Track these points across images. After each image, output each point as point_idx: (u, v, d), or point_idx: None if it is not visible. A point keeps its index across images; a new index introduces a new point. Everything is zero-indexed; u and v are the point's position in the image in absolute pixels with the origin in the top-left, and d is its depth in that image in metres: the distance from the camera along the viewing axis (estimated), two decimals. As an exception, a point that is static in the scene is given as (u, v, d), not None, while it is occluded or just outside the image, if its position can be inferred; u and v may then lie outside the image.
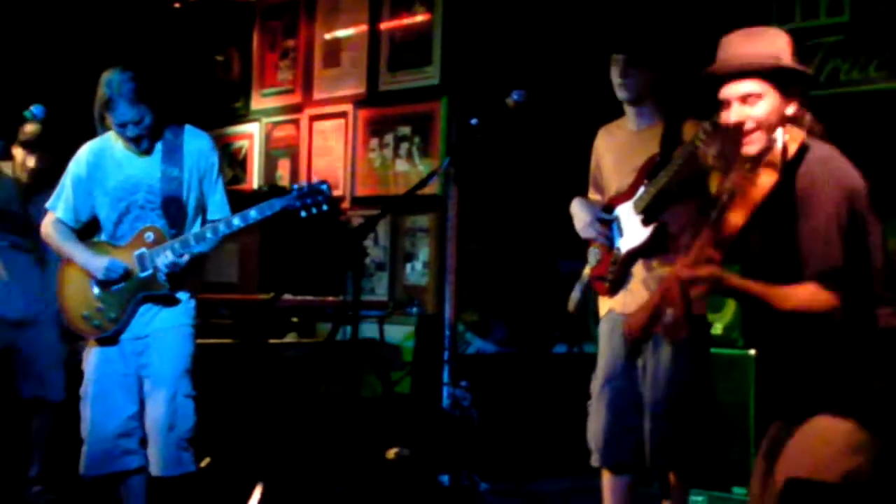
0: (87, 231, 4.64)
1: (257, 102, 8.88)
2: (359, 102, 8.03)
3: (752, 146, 3.05)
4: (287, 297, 5.99)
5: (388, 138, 7.79)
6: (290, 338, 6.27)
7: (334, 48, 8.26)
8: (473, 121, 4.25)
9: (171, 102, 4.62)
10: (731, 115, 3.07)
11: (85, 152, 4.61)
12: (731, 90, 3.07)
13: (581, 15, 6.72)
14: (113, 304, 4.48)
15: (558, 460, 6.35)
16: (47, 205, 4.65)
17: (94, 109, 4.45)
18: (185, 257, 4.41)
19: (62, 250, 4.60)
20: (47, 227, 4.64)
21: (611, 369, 4.53)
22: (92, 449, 4.48)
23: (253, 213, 4.41)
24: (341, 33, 8.21)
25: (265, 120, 8.78)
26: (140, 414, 4.49)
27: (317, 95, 8.38)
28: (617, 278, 4.52)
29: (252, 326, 6.01)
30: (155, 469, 4.44)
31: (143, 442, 4.48)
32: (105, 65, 4.48)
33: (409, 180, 7.50)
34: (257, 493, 5.24)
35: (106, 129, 4.51)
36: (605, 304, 4.63)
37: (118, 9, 8.22)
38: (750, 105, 3.04)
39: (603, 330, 4.62)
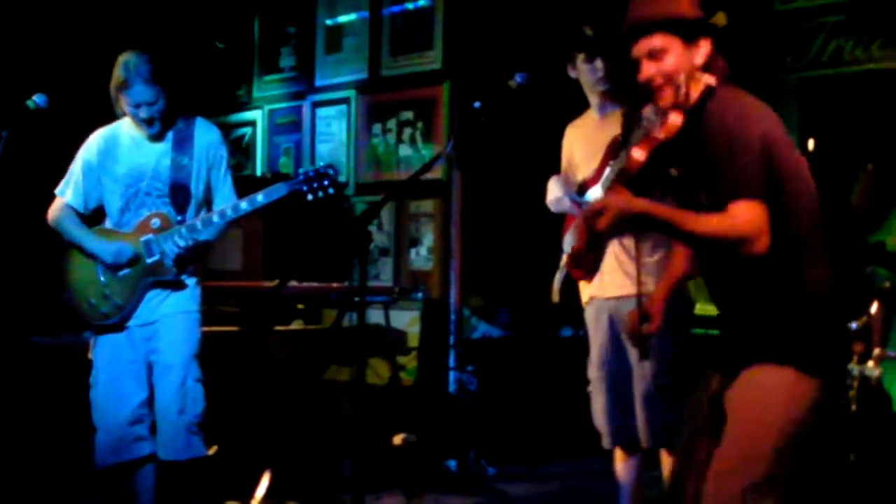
0: (91, 220, 4.65)
1: (260, 89, 8.87)
2: (361, 88, 8.02)
3: (664, 100, 3.15)
4: (292, 283, 5.99)
5: (391, 123, 7.78)
6: (296, 325, 6.27)
7: (336, 34, 8.25)
8: (476, 104, 4.25)
9: (184, 88, 4.65)
10: (641, 73, 3.16)
11: (95, 139, 4.64)
12: (639, 48, 3.16)
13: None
14: (119, 291, 4.49)
15: (565, 443, 6.36)
16: (56, 190, 4.66)
17: (109, 92, 4.49)
18: (192, 242, 4.43)
19: (69, 236, 4.61)
20: (55, 212, 4.65)
21: (603, 354, 4.61)
22: (104, 437, 4.50)
23: (260, 198, 4.43)
24: (343, 19, 8.20)
25: (267, 107, 8.78)
26: (149, 400, 4.50)
27: (319, 81, 8.37)
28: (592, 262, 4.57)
29: (257, 314, 6.01)
30: (165, 453, 4.46)
31: (153, 428, 4.50)
32: (107, 53, 4.50)
33: (412, 165, 7.50)
34: (265, 480, 5.26)
35: (122, 113, 4.55)
36: (585, 291, 4.67)
37: (120, -2, 8.21)
38: (657, 60, 3.13)
39: (589, 316, 4.68)
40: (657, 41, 3.12)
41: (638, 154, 3.20)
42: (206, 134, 4.63)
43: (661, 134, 3.17)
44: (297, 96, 8.56)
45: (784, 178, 3.02)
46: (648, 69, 3.14)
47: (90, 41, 7.65)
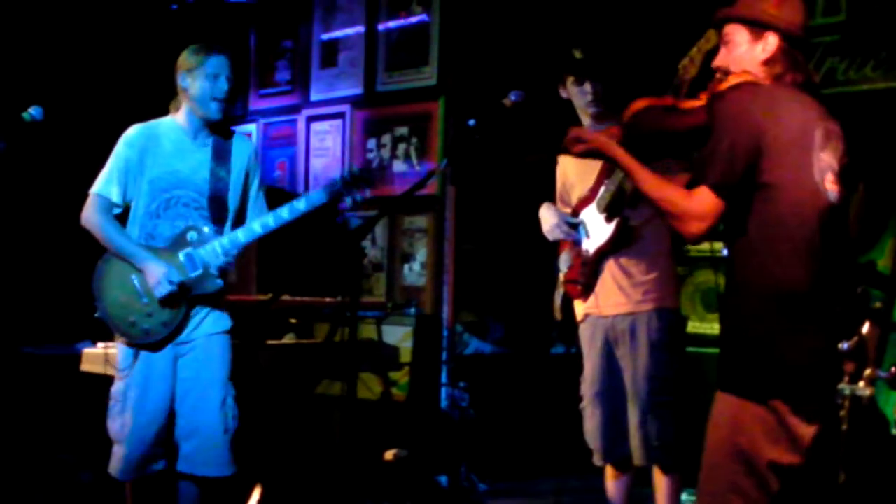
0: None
1: (255, 103, 8.88)
2: (356, 103, 8.03)
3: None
4: (285, 297, 5.98)
5: (386, 139, 7.80)
6: (289, 339, 6.26)
7: (332, 48, 8.26)
8: (471, 122, 4.27)
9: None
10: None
11: (135, 135, 4.51)
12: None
13: (577, 15, 6.73)
14: (161, 308, 4.38)
15: (556, 459, 6.36)
16: (96, 189, 4.46)
17: (175, 82, 4.49)
18: (234, 252, 4.42)
19: (113, 243, 4.43)
20: (94, 211, 4.46)
21: (597, 371, 4.61)
22: (132, 453, 4.39)
23: (301, 205, 4.41)
24: (339, 33, 8.21)
25: (263, 120, 8.78)
26: (171, 417, 4.44)
27: (314, 96, 8.38)
28: (588, 280, 4.59)
29: (250, 327, 6.01)
30: (210, 470, 4.41)
31: (169, 444, 4.45)
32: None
33: (406, 181, 7.50)
34: (256, 495, 5.25)
35: (180, 103, 4.52)
36: (580, 308, 4.69)
37: (116, 10, 8.21)
38: (726, 48, 3.27)
39: (584, 334, 4.69)
40: (729, 31, 3.25)
41: (637, 104, 3.33)
42: (243, 147, 4.60)
43: (668, 101, 3.30)
44: (292, 110, 8.57)
45: (774, 181, 3.03)
46: (718, 57, 3.29)
47: (87, 55, 7.66)
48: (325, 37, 8.31)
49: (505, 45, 7.13)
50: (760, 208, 3.03)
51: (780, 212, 3.03)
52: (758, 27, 3.19)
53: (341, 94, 8.15)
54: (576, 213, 4.67)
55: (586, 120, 4.68)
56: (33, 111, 4.29)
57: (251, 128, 8.83)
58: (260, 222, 4.44)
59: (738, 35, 3.22)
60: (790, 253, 3.02)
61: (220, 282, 4.43)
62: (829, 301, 3.07)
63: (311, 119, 8.39)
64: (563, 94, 4.70)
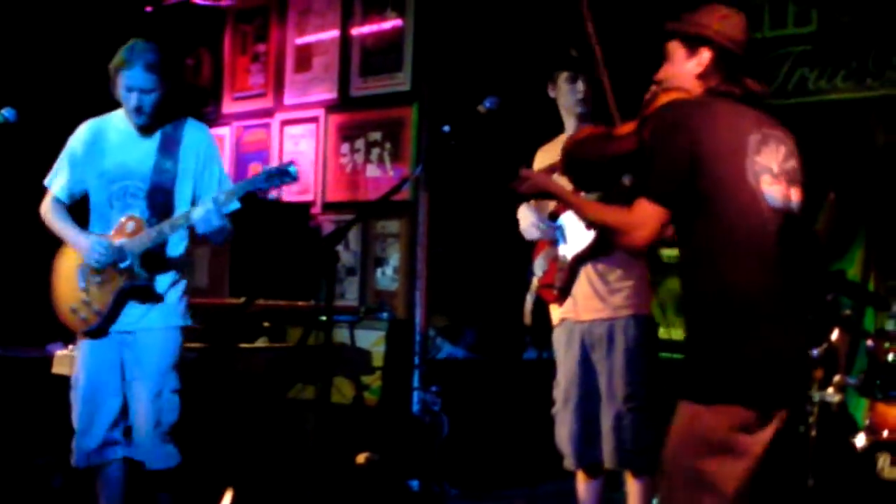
0: (79, 214, 4.60)
1: (228, 106, 8.86)
2: (330, 107, 8.04)
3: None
4: (258, 301, 5.98)
5: (359, 143, 7.80)
6: (261, 342, 6.27)
7: (306, 53, 8.27)
8: (445, 128, 4.28)
9: (179, 91, 4.59)
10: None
11: (84, 129, 4.60)
12: None
13: (552, 21, 6.75)
14: (98, 297, 4.45)
15: (528, 466, 6.38)
16: (45, 182, 4.61)
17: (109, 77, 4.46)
18: (159, 243, 4.41)
19: (56, 229, 4.57)
20: (46, 205, 4.61)
21: (572, 376, 4.62)
22: (83, 440, 4.46)
23: (222, 198, 4.35)
24: (313, 38, 8.22)
25: (236, 124, 8.77)
26: (124, 405, 4.48)
27: (288, 100, 8.38)
28: (565, 285, 4.61)
29: (222, 331, 6.01)
30: (149, 462, 4.44)
31: (127, 432, 4.48)
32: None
33: (379, 186, 7.51)
34: (228, 498, 5.24)
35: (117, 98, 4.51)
36: (556, 313, 4.70)
37: (89, 12, 8.18)
38: (668, 62, 3.35)
39: (559, 339, 4.70)
40: (671, 47, 3.33)
41: (576, 135, 3.50)
42: (193, 134, 4.57)
43: (600, 130, 3.45)
44: (265, 114, 8.56)
45: (712, 190, 3.07)
46: (660, 71, 3.36)
47: (59, 57, 7.63)
48: (299, 41, 8.31)
49: (479, 51, 7.15)
50: (703, 219, 3.08)
51: (720, 220, 3.07)
52: (693, 42, 3.26)
53: (315, 98, 8.15)
54: (554, 216, 4.67)
55: (570, 121, 4.68)
56: (6, 113, 4.29)
57: (224, 131, 8.82)
58: (182, 215, 4.39)
59: (677, 51, 3.30)
60: (733, 260, 3.06)
61: (144, 276, 4.44)
62: (784, 307, 3.09)
63: (284, 123, 8.38)
64: (552, 93, 4.71)
